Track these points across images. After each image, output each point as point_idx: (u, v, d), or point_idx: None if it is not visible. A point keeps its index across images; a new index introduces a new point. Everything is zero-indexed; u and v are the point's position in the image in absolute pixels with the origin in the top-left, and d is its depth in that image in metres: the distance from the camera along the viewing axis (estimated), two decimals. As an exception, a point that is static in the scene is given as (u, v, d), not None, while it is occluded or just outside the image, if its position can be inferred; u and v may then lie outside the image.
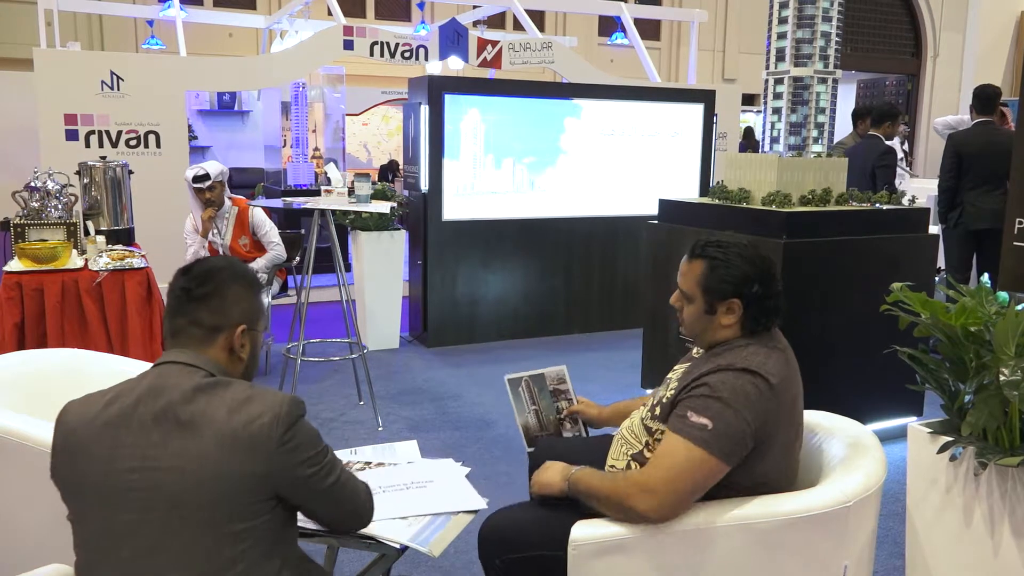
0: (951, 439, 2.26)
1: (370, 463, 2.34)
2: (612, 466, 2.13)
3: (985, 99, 5.71)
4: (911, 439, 2.42)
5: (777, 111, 4.27)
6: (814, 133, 4.23)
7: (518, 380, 2.59)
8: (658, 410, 2.04)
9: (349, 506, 1.70)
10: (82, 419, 1.56)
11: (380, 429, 4.36)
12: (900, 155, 7.47)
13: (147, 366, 2.30)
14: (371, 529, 1.84)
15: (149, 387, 1.55)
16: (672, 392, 2.00)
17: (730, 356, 1.95)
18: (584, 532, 1.86)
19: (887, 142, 6.31)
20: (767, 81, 4.32)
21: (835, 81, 4.23)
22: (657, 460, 1.87)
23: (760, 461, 1.91)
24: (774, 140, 4.31)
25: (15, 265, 4.09)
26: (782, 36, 4.19)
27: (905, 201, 4.34)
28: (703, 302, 2.03)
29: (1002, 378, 2.11)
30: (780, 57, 4.22)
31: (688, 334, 2.12)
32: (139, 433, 1.50)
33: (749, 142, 10.57)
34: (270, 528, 1.54)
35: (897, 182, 6.90)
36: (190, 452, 1.47)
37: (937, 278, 4.64)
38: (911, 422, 2.49)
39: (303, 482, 1.55)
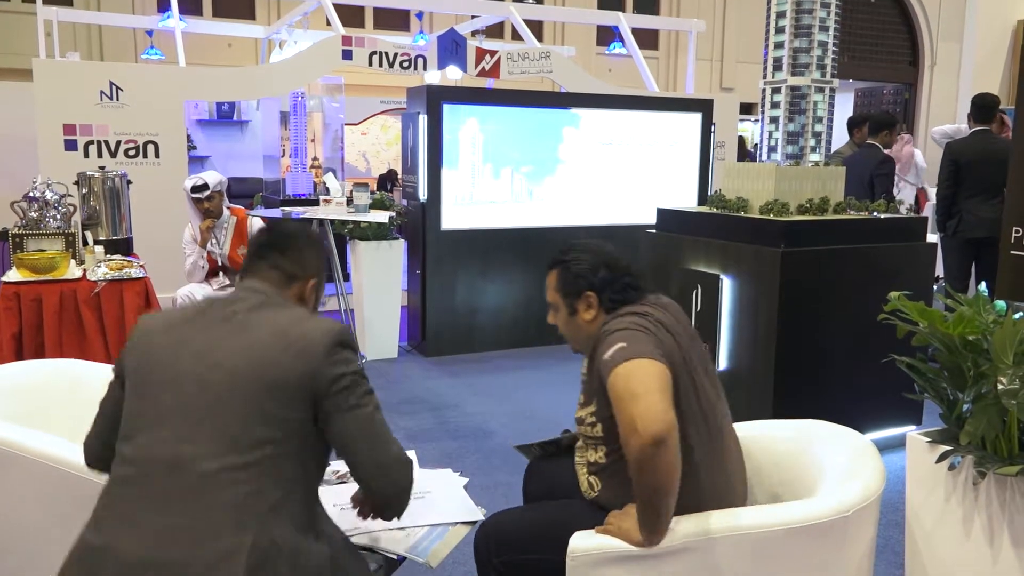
0: (950, 448, 2.26)
1: (368, 473, 2.34)
2: (580, 458, 2.12)
3: (983, 108, 5.72)
4: (909, 448, 2.42)
5: (775, 120, 4.29)
6: (812, 142, 4.24)
7: (528, 447, 2.49)
8: (582, 397, 2.06)
9: (379, 452, 1.68)
10: (157, 321, 1.79)
11: (379, 439, 4.34)
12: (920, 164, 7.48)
13: None
14: (368, 540, 1.84)
15: (222, 298, 1.79)
16: (583, 383, 2.04)
17: (607, 332, 1.95)
18: (582, 543, 1.86)
19: (885, 151, 6.32)
20: (764, 90, 4.33)
21: (832, 90, 4.25)
22: (617, 407, 1.81)
23: (690, 378, 1.93)
24: (772, 149, 4.32)
25: (13, 275, 4.09)
26: (779, 46, 4.20)
27: (903, 210, 4.35)
28: (565, 306, 2.09)
29: (1000, 387, 2.11)
30: (777, 66, 4.23)
31: (574, 347, 2.15)
32: (205, 329, 1.70)
33: (741, 151, 10.59)
34: (299, 437, 1.63)
35: (896, 191, 6.92)
36: (246, 343, 1.66)
37: (936, 287, 4.65)
38: (910, 431, 2.49)
39: (338, 395, 1.65)
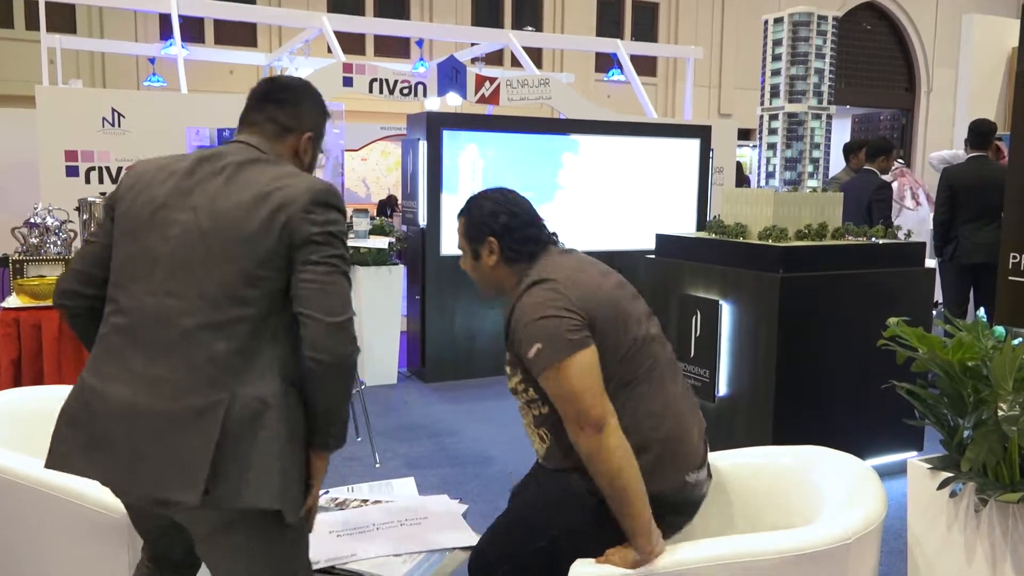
0: (951, 475, 2.25)
1: (367, 500, 2.33)
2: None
3: (979, 134, 5.76)
4: (911, 475, 2.41)
5: (772, 146, 4.31)
6: (809, 168, 4.26)
7: None
8: (508, 369, 2.08)
9: (325, 313, 1.63)
10: (149, 166, 1.82)
11: (377, 466, 4.32)
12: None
13: None
14: (365, 567, 1.83)
15: (213, 152, 1.79)
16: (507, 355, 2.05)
17: (518, 295, 1.99)
18: (583, 571, 1.84)
19: (882, 176, 6.35)
20: (762, 117, 4.36)
21: (829, 117, 4.28)
22: (558, 406, 1.89)
23: (615, 336, 1.94)
24: (770, 175, 4.35)
25: (13, 301, 4.09)
26: (776, 73, 4.24)
27: (901, 235, 4.36)
28: (469, 251, 2.11)
29: (1000, 413, 2.11)
30: (774, 93, 4.26)
31: (481, 291, 2.19)
32: (199, 182, 1.72)
33: (740, 177, 10.64)
34: (281, 296, 1.67)
35: (895, 216, 6.94)
36: (232, 201, 1.69)
37: (935, 312, 4.65)
38: (911, 457, 2.48)
39: (304, 248, 1.66)
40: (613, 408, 1.84)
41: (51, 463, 1.71)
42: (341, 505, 2.31)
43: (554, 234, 2.15)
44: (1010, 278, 3.01)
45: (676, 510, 1.99)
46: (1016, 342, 2.20)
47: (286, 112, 1.87)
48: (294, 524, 1.68)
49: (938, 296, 5.89)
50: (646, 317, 2.08)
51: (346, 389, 1.69)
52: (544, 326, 1.87)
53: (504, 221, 2.05)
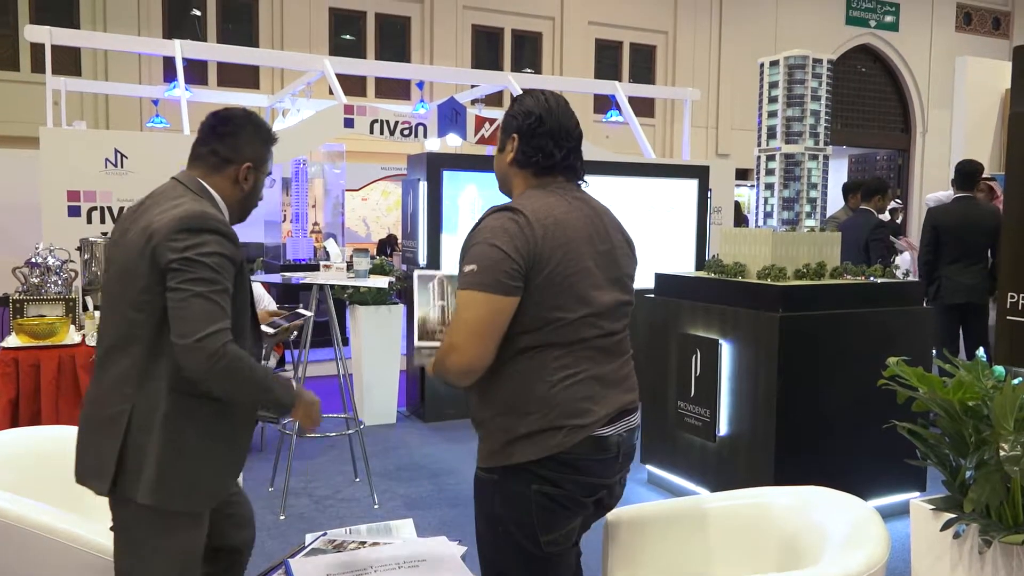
0: (954, 516, 2.24)
1: (365, 542, 2.30)
2: None
3: (965, 175, 5.79)
4: (914, 516, 2.39)
5: (770, 186, 4.34)
6: (807, 208, 4.29)
7: (430, 276, 2.23)
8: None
9: (181, 332, 1.83)
10: (115, 227, 2.12)
11: (376, 507, 4.29)
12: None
13: None
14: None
15: (151, 196, 2.06)
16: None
17: (492, 211, 1.96)
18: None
19: (879, 216, 6.39)
20: (759, 158, 4.40)
21: (826, 157, 4.32)
22: (454, 318, 1.94)
23: (546, 293, 1.88)
24: (768, 215, 4.37)
25: (12, 341, 4.08)
26: (772, 114, 4.29)
27: (899, 274, 4.38)
28: (500, 141, 2.09)
29: (1002, 453, 2.10)
30: (771, 134, 4.31)
31: (501, 187, 2.15)
32: (130, 221, 2.01)
33: (738, 216, 10.72)
34: (160, 317, 1.89)
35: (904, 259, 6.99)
36: (129, 235, 1.95)
37: (934, 351, 4.64)
38: (913, 498, 2.47)
39: (168, 273, 1.86)
40: (488, 359, 1.88)
41: None
42: (339, 547, 2.29)
43: (581, 169, 2.08)
44: (1008, 318, 3.02)
45: (579, 470, 1.93)
46: (1016, 382, 2.20)
47: (226, 144, 2.09)
48: (184, 514, 1.97)
49: (937, 335, 5.88)
50: (609, 308, 1.99)
51: (234, 384, 1.90)
52: (489, 254, 1.85)
53: (531, 123, 2.00)
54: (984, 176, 6.91)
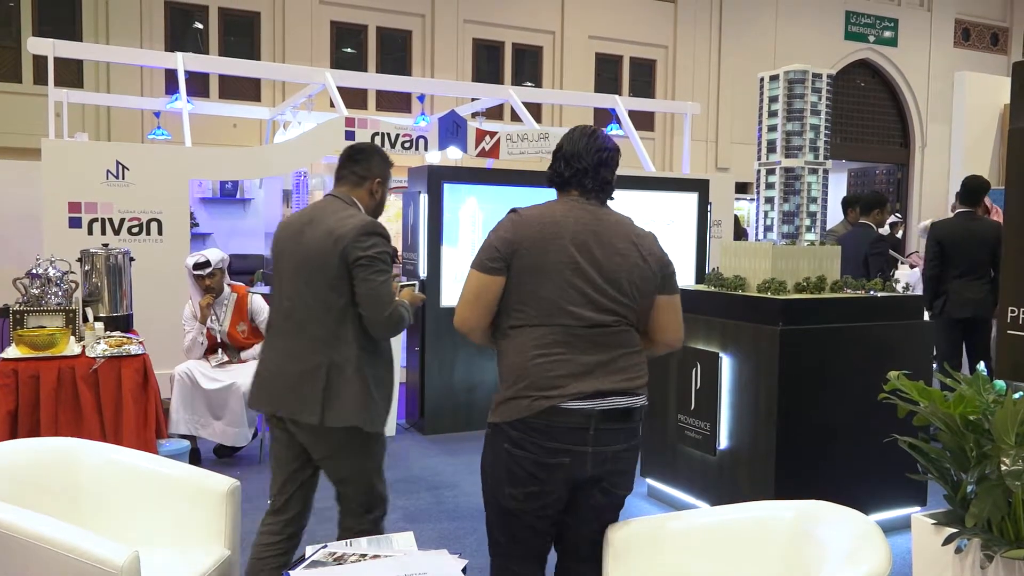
0: (955, 531, 2.23)
1: (365, 555, 2.30)
2: None
3: (971, 191, 5.82)
4: (915, 530, 2.38)
5: (770, 200, 4.36)
6: (807, 222, 4.30)
7: None
8: None
9: (374, 312, 2.64)
10: (282, 229, 2.90)
11: (375, 519, 4.27)
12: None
13: (141, 454, 2.93)
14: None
15: (315, 207, 2.86)
16: None
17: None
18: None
19: (878, 230, 6.41)
20: (759, 171, 4.42)
21: (826, 171, 4.33)
22: None
23: (523, 278, 2.31)
24: (768, 228, 4.38)
25: (12, 352, 4.08)
26: (772, 129, 4.30)
27: (899, 288, 4.38)
28: None
29: (1003, 468, 2.10)
30: (771, 148, 4.32)
31: None
32: (296, 233, 2.80)
33: (738, 230, 10.75)
34: (348, 296, 2.65)
35: (916, 274, 7.00)
36: (313, 239, 2.70)
37: (935, 365, 4.64)
38: (915, 512, 2.46)
39: (356, 268, 2.63)
40: (485, 321, 2.38)
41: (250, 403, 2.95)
42: (339, 560, 2.28)
43: (593, 187, 2.42)
44: (1009, 332, 3.02)
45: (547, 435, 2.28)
46: (1017, 396, 2.20)
47: (361, 166, 2.89)
48: (374, 435, 2.77)
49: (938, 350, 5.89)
50: (591, 302, 2.31)
51: (399, 330, 2.80)
52: (486, 242, 2.39)
53: (555, 151, 2.48)
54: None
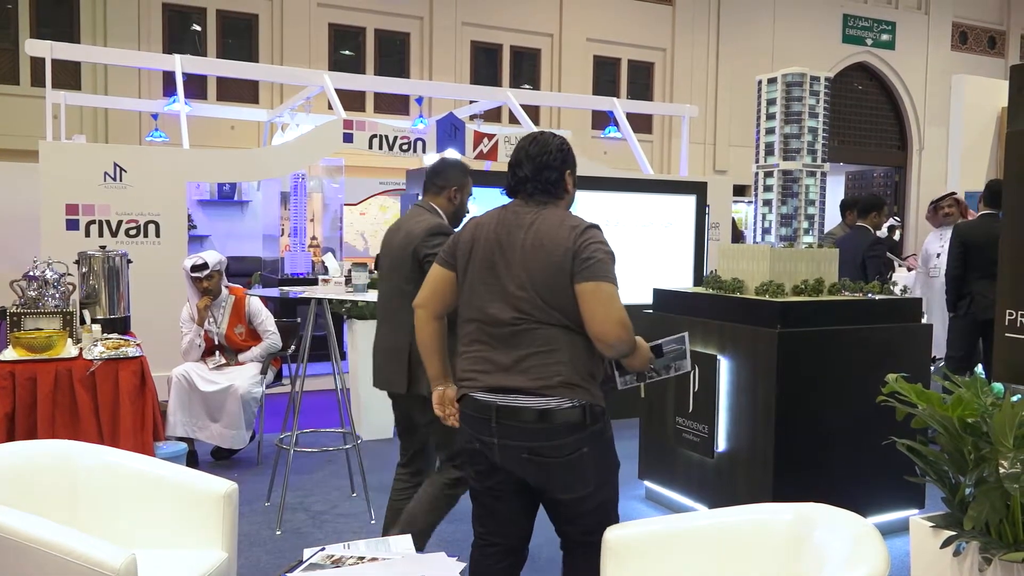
0: (954, 533, 2.23)
1: (363, 558, 2.29)
2: None
3: (995, 192, 5.83)
4: (913, 533, 2.38)
5: (768, 203, 4.36)
6: (804, 224, 4.30)
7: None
8: None
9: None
10: (386, 234, 3.46)
11: (373, 522, 4.27)
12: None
13: (138, 457, 2.92)
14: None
15: (405, 215, 3.39)
16: None
17: None
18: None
19: (876, 232, 6.42)
20: (757, 174, 4.42)
21: (823, 174, 4.33)
22: None
23: (460, 277, 2.55)
24: (765, 231, 4.38)
25: (9, 354, 4.07)
26: (770, 131, 4.30)
27: (897, 291, 4.38)
28: None
29: (1002, 471, 2.10)
30: (769, 151, 4.33)
31: None
32: (391, 236, 3.40)
33: (736, 232, 10.77)
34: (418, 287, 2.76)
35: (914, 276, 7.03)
36: (397, 240, 3.32)
37: (933, 367, 4.64)
38: (913, 515, 2.46)
39: (424, 260, 3.06)
40: (432, 305, 2.62)
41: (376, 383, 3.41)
42: (337, 562, 2.28)
43: (527, 191, 2.52)
44: (1006, 335, 3.02)
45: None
46: (1015, 399, 2.20)
47: (440, 177, 3.36)
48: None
49: (936, 352, 5.89)
50: (490, 302, 2.45)
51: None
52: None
53: (512, 161, 2.61)
54: (951, 192, 6.99)
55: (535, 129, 8.07)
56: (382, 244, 3.43)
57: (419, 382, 3.15)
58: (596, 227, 2.45)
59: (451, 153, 7.46)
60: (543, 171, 2.50)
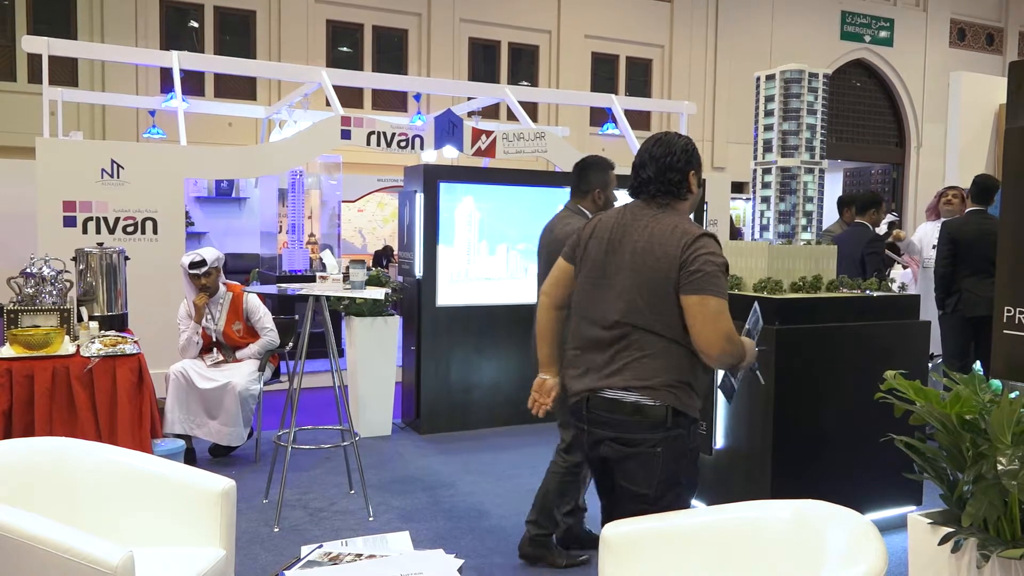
0: (952, 530, 2.23)
1: (361, 555, 2.29)
2: None
3: (984, 188, 5.81)
4: (911, 530, 2.38)
5: (766, 200, 4.35)
6: (803, 221, 4.30)
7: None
8: None
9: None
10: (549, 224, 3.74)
11: (371, 519, 4.27)
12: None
13: (135, 454, 2.89)
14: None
15: (558, 216, 3.68)
16: None
17: None
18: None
19: (874, 229, 6.41)
20: (755, 171, 4.41)
21: (822, 171, 4.33)
22: None
23: (578, 273, 2.65)
24: (764, 228, 4.38)
25: (6, 351, 4.06)
26: (768, 128, 4.30)
27: (895, 288, 4.38)
28: None
29: (999, 467, 2.09)
30: (767, 148, 4.32)
31: None
32: (547, 231, 3.70)
33: (734, 229, 10.76)
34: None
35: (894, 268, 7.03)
36: (550, 241, 3.58)
37: (931, 364, 4.65)
38: (911, 511, 2.46)
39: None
40: (553, 294, 2.75)
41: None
42: (335, 560, 2.28)
43: (646, 192, 2.55)
44: (1005, 332, 3.02)
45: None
46: (1012, 395, 2.20)
47: (583, 181, 3.61)
48: None
49: (935, 349, 5.88)
50: (601, 300, 2.52)
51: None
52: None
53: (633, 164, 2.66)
54: (952, 186, 6.98)
55: (533, 126, 8.09)
56: (538, 244, 3.75)
57: None
58: (709, 236, 2.44)
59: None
60: (666, 172, 2.52)
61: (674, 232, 2.41)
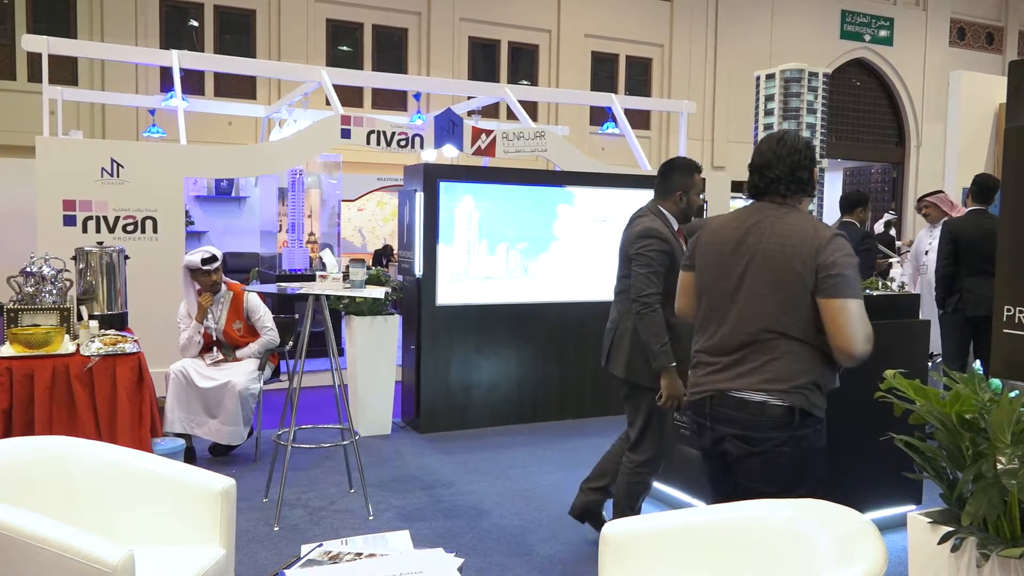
0: (951, 529, 2.23)
1: (361, 554, 2.29)
2: None
3: (984, 188, 5.81)
4: (911, 529, 2.38)
5: (766, 199, 4.35)
6: (803, 220, 4.30)
7: None
8: None
9: (634, 290, 3.35)
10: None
11: (371, 518, 4.27)
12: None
13: (135, 453, 2.86)
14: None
15: (635, 213, 3.62)
16: None
17: None
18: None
19: (863, 227, 6.43)
20: (755, 170, 4.41)
21: (822, 170, 4.33)
22: None
23: (698, 278, 2.67)
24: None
25: (6, 350, 4.06)
26: (768, 127, 4.30)
27: (895, 286, 4.38)
28: None
29: (999, 467, 2.10)
30: (767, 147, 4.32)
31: None
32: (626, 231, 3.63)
33: None
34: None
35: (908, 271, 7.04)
36: (625, 240, 3.59)
37: (930, 363, 4.64)
38: (910, 511, 2.46)
39: (631, 258, 3.46)
40: (680, 304, 2.80)
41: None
42: (335, 558, 2.28)
43: (791, 188, 2.54)
44: (1004, 331, 3.02)
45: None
46: (1012, 395, 2.20)
47: (667, 182, 3.58)
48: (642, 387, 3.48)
49: (934, 348, 5.88)
50: (729, 303, 2.54)
51: (643, 329, 3.35)
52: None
53: (750, 166, 2.63)
54: (936, 191, 6.98)
55: (533, 125, 8.08)
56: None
57: (615, 361, 3.54)
58: (842, 235, 2.47)
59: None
60: (796, 171, 2.53)
61: (806, 233, 2.42)
